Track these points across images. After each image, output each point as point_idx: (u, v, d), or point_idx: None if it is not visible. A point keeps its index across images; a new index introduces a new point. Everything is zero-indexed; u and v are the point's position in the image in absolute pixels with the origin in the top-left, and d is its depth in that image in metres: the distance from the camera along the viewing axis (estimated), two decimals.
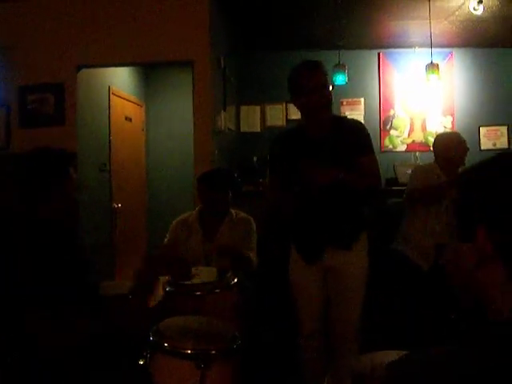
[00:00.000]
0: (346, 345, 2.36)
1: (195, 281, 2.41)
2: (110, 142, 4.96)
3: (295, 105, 2.34)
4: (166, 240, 2.86)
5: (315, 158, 2.26)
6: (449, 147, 3.15)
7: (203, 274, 2.39)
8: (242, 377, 1.73)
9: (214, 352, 1.60)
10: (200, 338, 1.64)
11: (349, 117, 5.82)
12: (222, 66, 4.73)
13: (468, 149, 3.23)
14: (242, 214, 2.87)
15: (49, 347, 1.49)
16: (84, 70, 4.32)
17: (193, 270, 2.47)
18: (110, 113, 5.00)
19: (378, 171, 2.37)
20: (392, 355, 1.58)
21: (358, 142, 2.31)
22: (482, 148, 5.96)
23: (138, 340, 1.65)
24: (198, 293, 2.12)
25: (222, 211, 2.79)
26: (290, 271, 2.48)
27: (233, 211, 2.85)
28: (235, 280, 2.41)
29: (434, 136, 3.63)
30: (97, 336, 1.56)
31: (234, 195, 2.88)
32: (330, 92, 2.28)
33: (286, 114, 5.92)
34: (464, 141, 3.21)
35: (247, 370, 1.82)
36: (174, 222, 2.87)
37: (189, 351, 1.57)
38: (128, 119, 5.59)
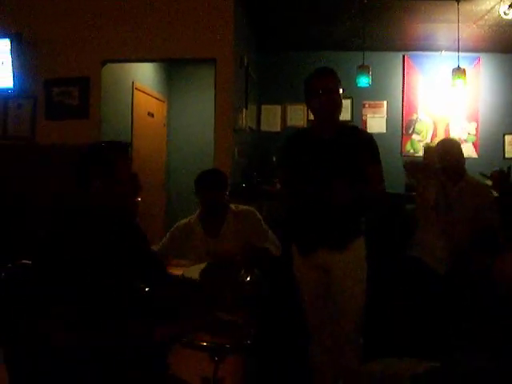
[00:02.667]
0: (347, 344, 2.41)
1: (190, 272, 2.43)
2: (132, 137, 5.01)
3: (308, 106, 2.52)
4: (161, 243, 2.90)
5: (320, 159, 2.40)
6: (443, 153, 3.16)
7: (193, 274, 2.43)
8: (254, 370, 1.74)
9: (228, 346, 1.63)
10: (216, 331, 1.67)
11: (371, 119, 5.94)
12: (245, 64, 4.74)
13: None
14: (242, 207, 2.90)
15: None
16: (109, 65, 4.37)
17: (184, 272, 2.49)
18: (133, 108, 5.06)
19: (382, 182, 2.46)
20: (404, 362, 1.57)
21: (365, 150, 2.42)
22: (507, 156, 5.85)
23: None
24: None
25: (221, 209, 2.81)
26: (294, 265, 2.57)
27: (232, 206, 2.87)
28: (248, 278, 2.43)
29: None
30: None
31: (232, 194, 2.95)
32: (339, 97, 2.41)
33: (307, 114, 5.90)
34: (457, 145, 3.22)
35: (260, 363, 1.84)
36: (173, 228, 2.93)
37: (205, 343, 1.60)
38: (150, 115, 5.64)
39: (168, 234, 2.94)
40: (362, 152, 2.40)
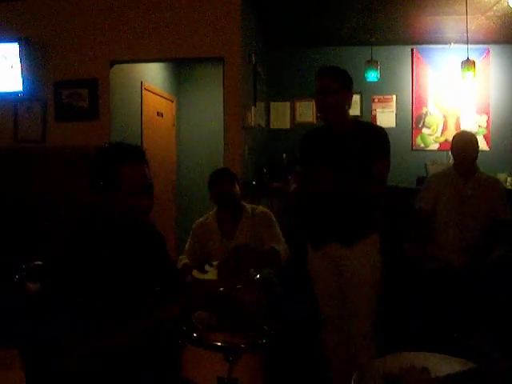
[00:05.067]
0: (360, 338, 2.40)
1: (208, 276, 2.45)
2: (141, 137, 5.03)
3: None
4: (187, 245, 2.93)
5: (331, 157, 2.39)
6: (459, 147, 3.09)
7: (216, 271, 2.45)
8: (268, 369, 1.74)
9: (243, 346, 1.63)
10: (230, 331, 1.67)
11: (380, 114, 5.90)
12: (253, 62, 4.73)
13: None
14: (260, 209, 2.91)
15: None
16: (117, 66, 4.39)
17: (206, 266, 2.51)
18: (142, 108, 5.08)
19: (385, 179, 2.44)
20: (420, 356, 1.56)
21: (375, 146, 2.39)
22: None
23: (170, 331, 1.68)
24: (221, 289, 2.15)
25: (233, 204, 2.84)
26: (308, 258, 2.58)
27: (248, 207, 2.88)
28: (257, 276, 2.43)
29: None
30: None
31: (246, 191, 3.00)
32: (336, 97, 2.36)
33: (316, 110, 5.88)
34: (473, 141, 3.12)
35: (274, 361, 1.83)
36: (193, 227, 2.95)
37: (219, 343, 1.61)
38: (160, 114, 5.66)
39: (190, 235, 2.96)
40: (373, 147, 2.37)
